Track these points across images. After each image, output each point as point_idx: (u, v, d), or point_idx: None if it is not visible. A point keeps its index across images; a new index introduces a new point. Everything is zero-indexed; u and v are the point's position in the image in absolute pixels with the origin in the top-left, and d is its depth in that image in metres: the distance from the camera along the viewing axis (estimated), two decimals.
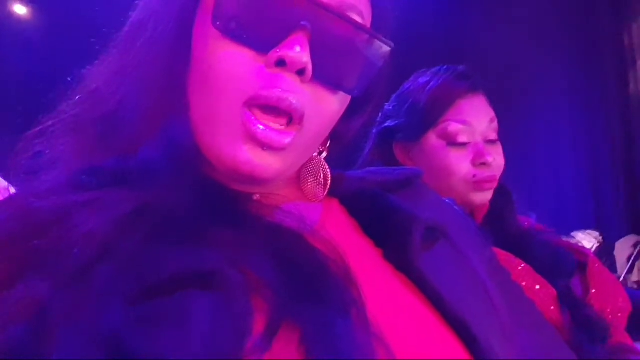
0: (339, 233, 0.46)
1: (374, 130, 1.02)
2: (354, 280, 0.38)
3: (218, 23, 0.43)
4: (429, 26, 4.83)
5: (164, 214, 0.39)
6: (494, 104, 0.98)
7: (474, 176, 0.91)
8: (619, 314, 0.88)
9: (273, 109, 0.42)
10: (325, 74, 0.44)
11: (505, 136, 0.99)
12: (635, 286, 3.86)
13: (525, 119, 4.03)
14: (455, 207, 0.60)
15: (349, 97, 0.48)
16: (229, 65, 0.43)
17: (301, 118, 0.43)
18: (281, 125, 0.43)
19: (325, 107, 0.45)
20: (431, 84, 0.96)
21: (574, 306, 0.82)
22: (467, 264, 0.48)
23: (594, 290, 0.88)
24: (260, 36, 0.42)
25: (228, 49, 0.43)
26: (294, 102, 0.42)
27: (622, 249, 4.04)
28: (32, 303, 0.33)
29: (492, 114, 0.96)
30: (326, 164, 0.53)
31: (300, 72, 0.42)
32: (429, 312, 0.43)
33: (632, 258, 3.92)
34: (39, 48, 4.19)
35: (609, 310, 0.87)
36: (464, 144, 0.92)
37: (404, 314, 0.42)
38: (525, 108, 4.18)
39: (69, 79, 0.50)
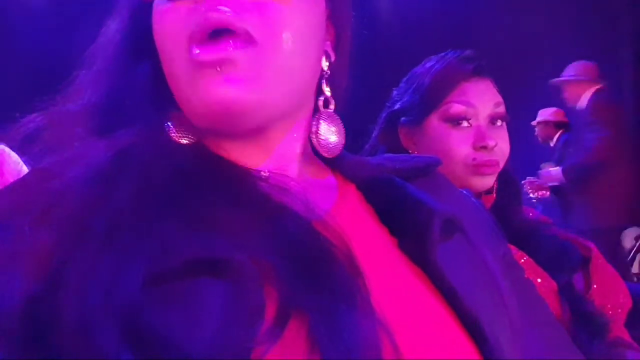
0: (353, 219, 0.46)
1: (382, 115, 1.02)
2: (359, 269, 0.38)
3: None
4: (441, 14, 4.76)
5: (152, 170, 0.40)
6: (503, 91, 0.97)
7: (474, 159, 0.90)
8: (619, 310, 0.88)
9: (214, 35, 0.40)
10: None
11: (512, 126, 0.98)
12: (635, 278, 3.88)
13: (534, 108, 4.01)
14: (473, 199, 0.59)
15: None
16: (166, 21, 0.43)
17: (246, 32, 0.40)
18: (229, 48, 0.40)
19: (276, 12, 0.42)
20: (435, 67, 0.95)
21: (574, 301, 0.82)
22: (481, 259, 0.48)
23: (595, 286, 0.88)
24: None
25: (164, 8, 0.43)
26: (228, 14, 0.40)
27: (625, 241, 4.04)
28: (39, 254, 0.34)
29: (498, 98, 0.95)
30: (337, 118, 0.49)
31: None
32: (440, 305, 0.43)
33: (634, 250, 3.93)
34: (46, 18, 4.16)
35: (609, 305, 0.87)
36: (466, 127, 0.91)
37: (414, 304, 0.42)
38: (535, 97, 4.14)
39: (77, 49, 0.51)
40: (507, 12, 4.44)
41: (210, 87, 0.40)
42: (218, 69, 0.40)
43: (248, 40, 0.41)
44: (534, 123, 3.93)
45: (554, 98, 3.92)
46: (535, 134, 3.96)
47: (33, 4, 4.30)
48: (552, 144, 3.88)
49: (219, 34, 0.40)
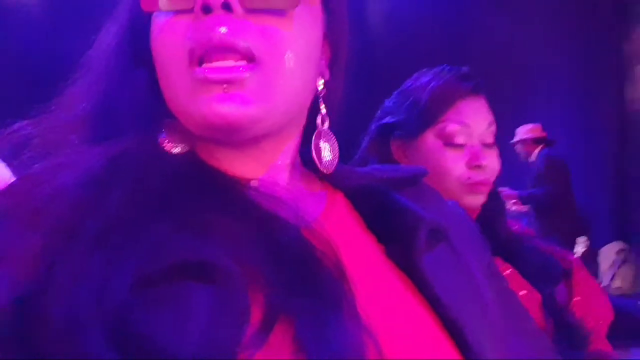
0: (340, 227, 0.47)
1: (373, 126, 1.03)
2: (346, 274, 0.39)
3: (146, 5, 0.44)
4: (433, 25, 4.82)
5: (145, 178, 0.40)
6: (493, 104, 0.99)
7: (469, 178, 0.92)
8: (601, 322, 0.90)
9: (214, 51, 0.42)
10: (255, 0, 0.42)
11: (502, 140, 1.00)
12: (618, 292, 3.93)
13: (523, 124, 4.05)
14: (459, 210, 0.60)
15: (304, 20, 0.45)
16: (165, 33, 0.44)
17: (248, 49, 0.42)
18: (235, 61, 0.42)
19: (277, 34, 0.43)
20: (433, 83, 0.96)
21: (557, 313, 0.83)
22: (466, 268, 0.49)
23: (577, 298, 0.89)
24: None
25: (164, 21, 0.44)
26: (228, 35, 0.41)
27: (607, 255, 4.10)
28: (27, 257, 0.35)
29: (491, 117, 0.96)
30: (332, 135, 0.51)
31: (226, 7, 0.41)
32: (425, 312, 0.44)
33: (617, 265, 3.98)
34: (40, 22, 4.13)
35: (591, 317, 0.89)
36: (460, 145, 0.93)
37: (399, 310, 0.43)
38: (523, 114, 4.20)
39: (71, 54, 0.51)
40: (499, 27, 4.51)
41: (213, 102, 0.41)
42: (225, 87, 0.41)
43: (251, 58, 0.42)
44: (512, 142, 3.96)
45: (539, 119, 3.98)
46: (517, 152, 3.99)
47: (26, 9, 4.27)
48: (532, 160, 3.90)
49: (220, 48, 0.41)
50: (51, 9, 4.24)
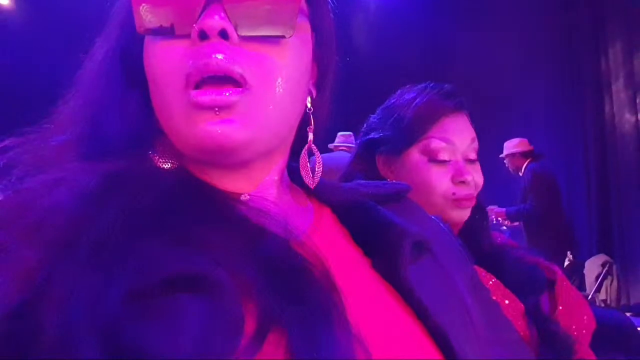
0: (328, 240, 0.48)
1: (358, 142, 1.04)
2: (335, 285, 0.40)
3: (142, 28, 0.45)
4: (417, 42, 4.90)
5: (140, 195, 0.41)
6: (475, 121, 1.01)
7: (454, 194, 0.93)
8: (584, 331, 0.91)
9: (210, 80, 0.43)
10: (251, 28, 0.44)
11: (483, 157, 1.02)
12: (603, 304, 3.96)
13: (504, 140, 4.11)
14: (441, 224, 0.62)
15: (296, 47, 0.47)
16: (162, 58, 0.45)
17: (241, 76, 0.43)
18: (227, 93, 0.43)
19: (271, 62, 0.45)
20: (417, 100, 0.98)
21: (541, 322, 0.84)
22: (449, 279, 0.50)
23: (561, 307, 0.91)
24: (181, 23, 0.44)
25: (160, 45, 0.45)
26: (224, 61, 0.43)
27: (591, 268, 4.14)
28: (22, 271, 0.35)
29: (473, 134, 0.98)
30: (317, 150, 0.53)
31: (224, 35, 0.43)
32: (411, 321, 0.45)
33: (601, 277, 4.02)
34: (23, 39, 4.11)
35: (574, 327, 0.90)
36: (444, 162, 0.94)
37: (387, 320, 0.44)
38: (504, 130, 4.26)
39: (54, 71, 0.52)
40: (481, 46, 4.59)
41: (206, 126, 0.43)
42: (217, 111, 0.43)
43: (243, 83, 0.43)
44: (502, 156, 4.01)
45: (520, 135, 4.03)
46: (506, 165, 4.04)
47: (10, 26, 4.26)
48: (521, 174, 3.95)
49: (216, 78, 0.43)
50: (35, 26, 4.24)
